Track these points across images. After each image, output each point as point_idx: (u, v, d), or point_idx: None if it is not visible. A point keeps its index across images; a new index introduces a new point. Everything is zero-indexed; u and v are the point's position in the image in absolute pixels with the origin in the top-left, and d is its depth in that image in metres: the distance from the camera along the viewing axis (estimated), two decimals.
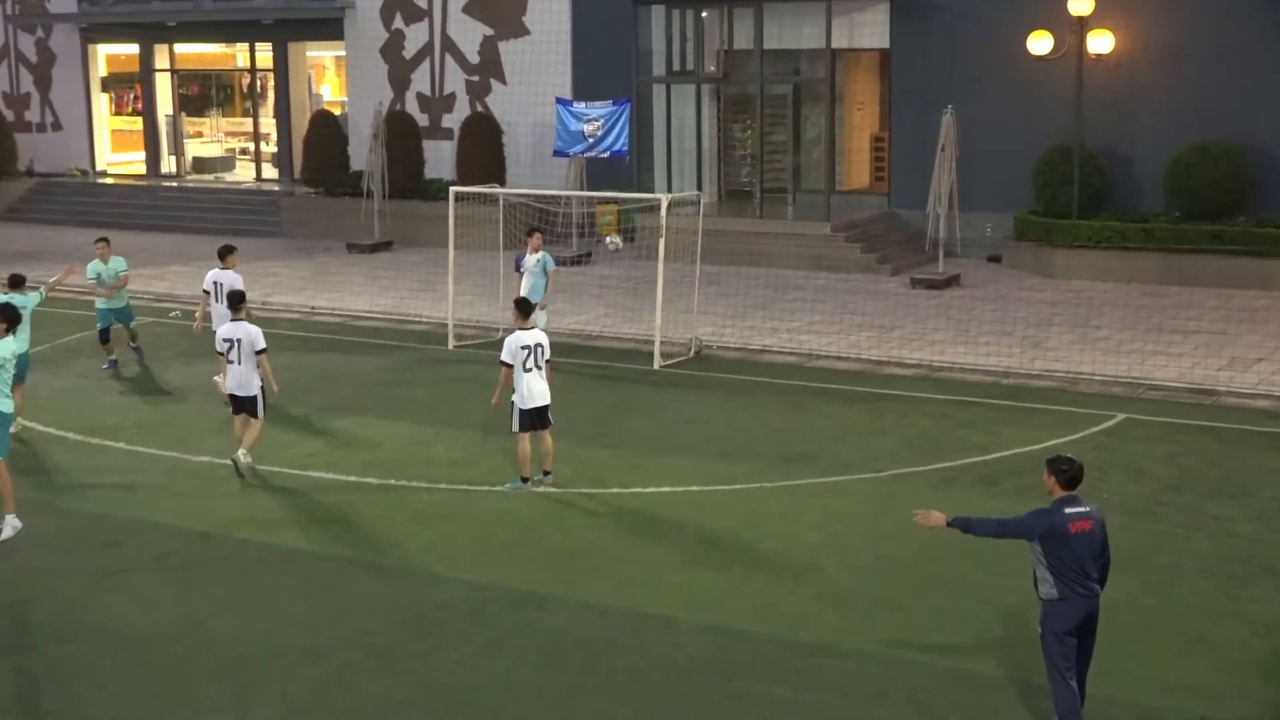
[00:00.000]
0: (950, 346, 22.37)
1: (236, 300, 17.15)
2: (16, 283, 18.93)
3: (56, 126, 43.25)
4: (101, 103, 43.59)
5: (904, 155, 30.97)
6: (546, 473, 15.88)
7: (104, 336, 21.90)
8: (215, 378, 16.67)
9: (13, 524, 14.59)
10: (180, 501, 15.66)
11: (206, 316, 20.10)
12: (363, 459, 17.09)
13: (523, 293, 20.42)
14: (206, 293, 20.10)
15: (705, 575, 13.37)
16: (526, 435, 15.70)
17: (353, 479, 16.34)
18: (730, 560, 13.73)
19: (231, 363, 16.57)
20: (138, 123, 43.25)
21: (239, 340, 16.52)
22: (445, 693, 11.08)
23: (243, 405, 16.68)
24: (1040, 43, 28.12)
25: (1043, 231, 28.50)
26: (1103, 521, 10.15)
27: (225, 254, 20.18)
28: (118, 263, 21.77)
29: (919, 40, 30.60)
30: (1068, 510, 9.97)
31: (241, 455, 16.45)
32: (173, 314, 26.14)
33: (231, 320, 16.88)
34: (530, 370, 15.51)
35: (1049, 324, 23.88)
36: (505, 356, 15.56)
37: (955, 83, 29.67)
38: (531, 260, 21.25)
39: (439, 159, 35.05)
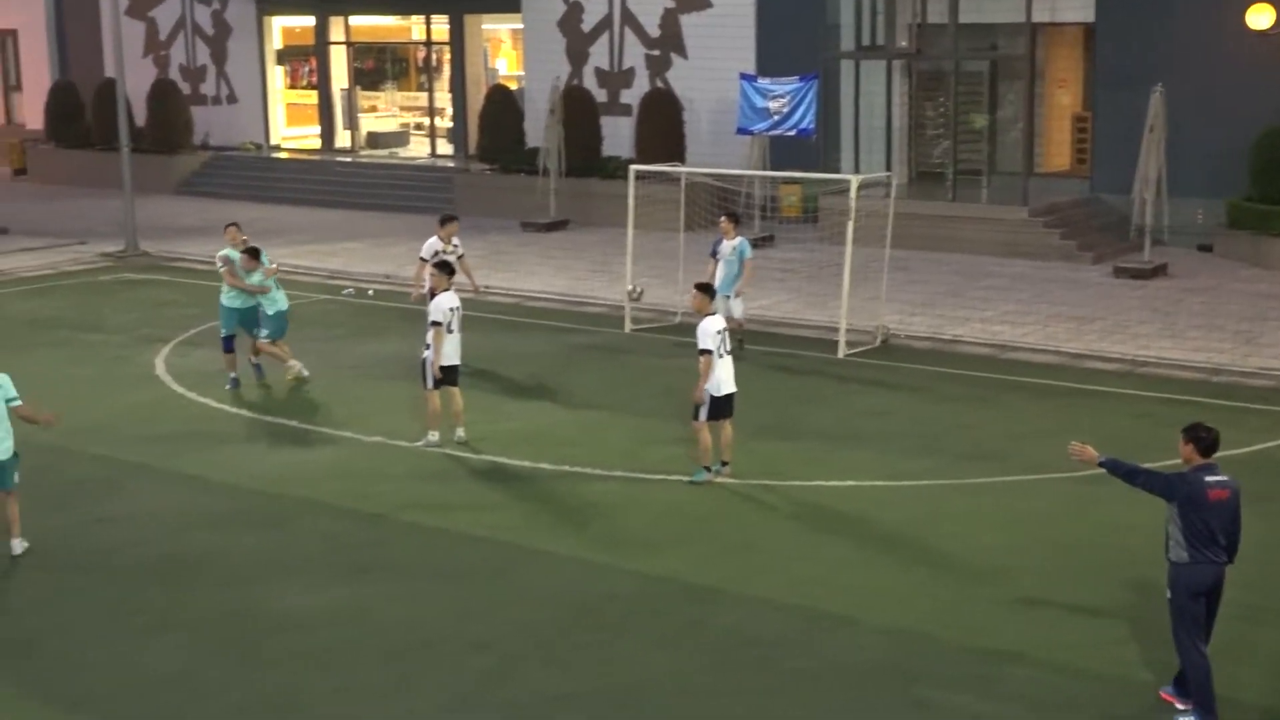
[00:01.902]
0: (1155, 340, 21.92)
1: (450, 270, 17.60)
2: (254, 253, 19.85)
3: (231, 100, 44.42)
4: (276, 76, 44.65)
5: (1108, 136, 30.36)
6: (724, 463, 15.95)
7: (228, 346, 20.00)
8: (426, 353, 16.96)
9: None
10: (350, 483, 16.05)
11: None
12: (535, 444, 17.32)
13: (717, 281, 20.60)
14: (424, 260, 20.77)
15: (885, 575, 13.33)
16: (708, 424, 15.80)
17: (525, 464, 16.58)
18: (911, 560, 13.67)
19: (452, 332, 17.05)
20: (312, 96, 44.23)
21: (457, 308, 17.15)
22: (613, 688, 11.22)
23: (457, 375, 17.28)
24: (1261, 17, 27.36)
25: (1259, 219, 27.73)
26: (1238, 491, 10.56)
27: (444, 222, 21.25)
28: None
29: (1127, 14, 29.95)
30: (1207, 478, 10.48)
31: (462, 432, 17.26)
32: (346, 291, 26.73)
33: (445, 290, 17.32)
34: (723, 356, 15.62)
35: (1264, 318, 23.24)
36: (708, 344, 15.52)
37: (1165, 59, 28.98)
38: (727, 247, 21.26)
39: (617, 136, 35.28)
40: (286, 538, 14.48)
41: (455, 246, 21.15)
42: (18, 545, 14.09)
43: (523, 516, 15.02)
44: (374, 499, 15.49)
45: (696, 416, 15.75)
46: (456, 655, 11.79)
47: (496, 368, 20.95)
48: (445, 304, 17.09)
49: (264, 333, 19.81)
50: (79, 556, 14.09)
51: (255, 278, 19.67)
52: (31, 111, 47.03)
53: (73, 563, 13.93)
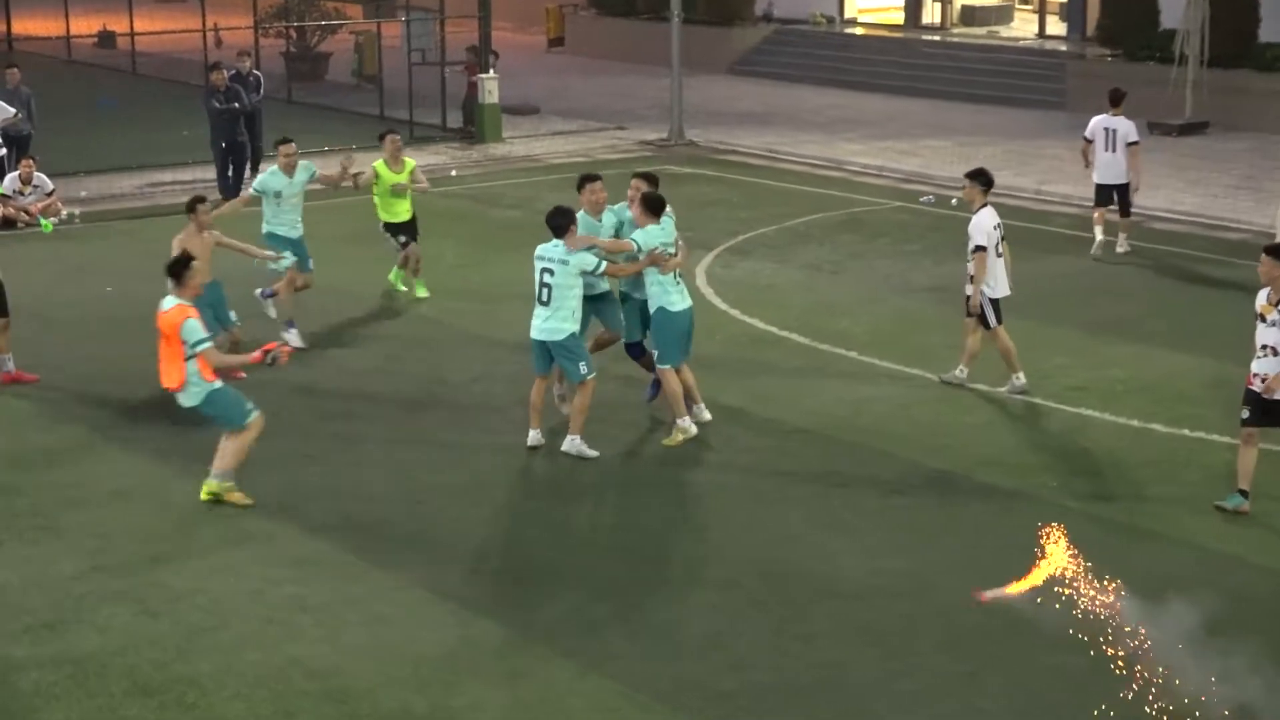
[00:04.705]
0: None
1: (988, 181, 17.27)
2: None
3: None
4: None
5: None
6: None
7: (637, 351, 16.86)
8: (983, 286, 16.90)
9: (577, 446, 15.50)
10: (916, 430, 16.22)
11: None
12: (1144, 398, 17.04)
13: None
14: (1089, 141, 22.85)
15: None
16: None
17: (1133, 423, 16.30)
18: None
19: (999, 256, 17.05)
20: None
21: (998, 226, 17.09)
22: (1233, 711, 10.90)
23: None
24: None
25: None
26: None
27: (1117, 99, 22.91)
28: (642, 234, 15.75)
29: None
30: None
31: (1021, 379, 17.24)
32: (924, 199, 26.86)
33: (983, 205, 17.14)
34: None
35: None
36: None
37: None
38: None
39: None
40: (837, 488, 14.77)
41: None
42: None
43: (1125, 486, 14.80)
44: (943, 452, 15.59)
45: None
46: (1033, 649, 11.70)
47: (1100, 300, 20.61)
48: (988, 222, 16.93)
49: (656, 353, 16.07)
50: (583, 485, 14.93)
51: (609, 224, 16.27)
52: None
53: (587, 495, 14.76)
